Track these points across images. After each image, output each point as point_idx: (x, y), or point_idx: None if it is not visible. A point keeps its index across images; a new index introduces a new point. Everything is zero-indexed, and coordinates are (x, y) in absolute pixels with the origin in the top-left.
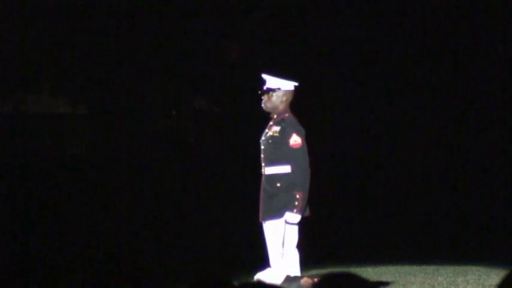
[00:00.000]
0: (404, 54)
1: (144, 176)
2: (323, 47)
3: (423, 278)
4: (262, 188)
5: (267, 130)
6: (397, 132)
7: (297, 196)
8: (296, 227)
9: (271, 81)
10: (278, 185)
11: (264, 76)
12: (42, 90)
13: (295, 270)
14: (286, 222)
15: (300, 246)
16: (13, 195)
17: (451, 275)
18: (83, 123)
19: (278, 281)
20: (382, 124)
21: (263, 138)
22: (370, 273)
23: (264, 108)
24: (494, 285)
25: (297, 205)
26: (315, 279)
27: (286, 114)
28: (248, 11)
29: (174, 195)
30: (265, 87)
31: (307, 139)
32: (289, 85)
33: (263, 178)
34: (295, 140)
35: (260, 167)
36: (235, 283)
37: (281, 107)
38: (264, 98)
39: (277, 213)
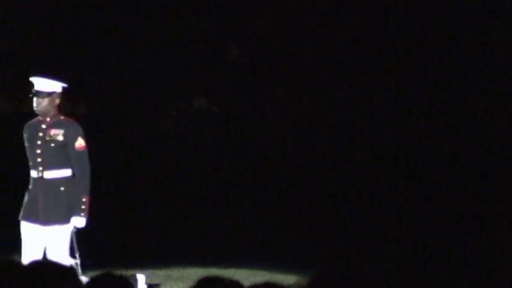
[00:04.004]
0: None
1: (143, 176)
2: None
3: (412, 278)
4: (41, 193)
5: (41, 134)
6: (397, 131)
7: (83, 200)
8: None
9: (41, 83)
10: (62, 189)
11: (33, 79)
12: None
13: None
14: (75, 227)
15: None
16: (13, 195)
17: (441, 274)
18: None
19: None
20: (379, 123)
21: (39, 142)
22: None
23: (35, 110)
24: (494, 284)
25: (84, 209)
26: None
27: (62, 117)
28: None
29: (173, 195)
30: (35, 90)
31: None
32: (58, 87)
33: (40, 182)
34: (81, 143)
35: (33, 171)
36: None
37: (53, 109)
38: (35, 100)
39: (65, 218)
